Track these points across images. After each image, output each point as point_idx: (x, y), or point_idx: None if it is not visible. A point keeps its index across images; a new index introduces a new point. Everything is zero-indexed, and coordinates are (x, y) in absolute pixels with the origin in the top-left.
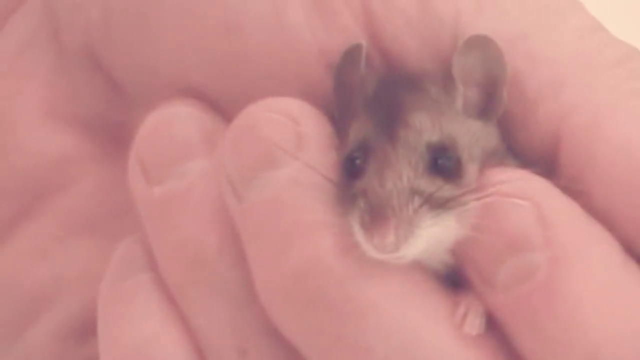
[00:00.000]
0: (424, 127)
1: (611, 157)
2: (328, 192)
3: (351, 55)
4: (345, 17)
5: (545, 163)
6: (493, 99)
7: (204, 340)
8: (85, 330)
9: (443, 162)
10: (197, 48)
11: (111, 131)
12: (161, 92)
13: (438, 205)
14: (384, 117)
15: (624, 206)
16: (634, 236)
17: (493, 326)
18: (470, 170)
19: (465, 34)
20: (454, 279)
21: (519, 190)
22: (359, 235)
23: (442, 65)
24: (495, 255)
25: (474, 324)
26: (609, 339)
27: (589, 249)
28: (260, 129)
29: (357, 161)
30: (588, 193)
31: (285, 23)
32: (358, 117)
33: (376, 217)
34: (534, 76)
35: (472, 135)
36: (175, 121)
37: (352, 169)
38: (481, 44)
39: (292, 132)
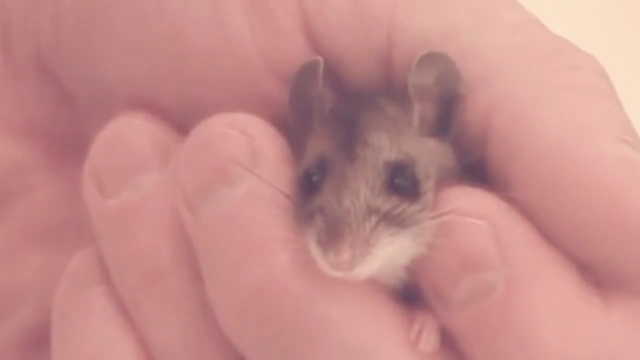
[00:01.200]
0: (382, 145)
1: (536, 152)
2: (284, 208)
3: (308, 70)
4: (281, 17)
5: (477, 160)
6: (449, 116)
7: (158, 353)
8: (39, 340)
9: (400, 181)
10: (142, 55)
11: (64, 141)
12: (111, 102)
13: (395, 224)
14: (342, 135)
15: (547, 205)
16: (561, 235)
17: (448, 343)
18: (427, 188)
19: (399, 31)
20: (409, 295)
21: (475, 209)
22: (315, 251)
23: (379, 65)
24: (451, 274)
25: (429, 341)
26: None
27: (544, 269)
28: (215, 145)
29: (314, 177)
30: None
31: (225, 25)
32: (315, 132)
33: (332, 234)
34: (463, 72)
35: (429, 154)
36: (129, 133)
37: (308, 186)
38: (436, 61)
39: (246, 148)
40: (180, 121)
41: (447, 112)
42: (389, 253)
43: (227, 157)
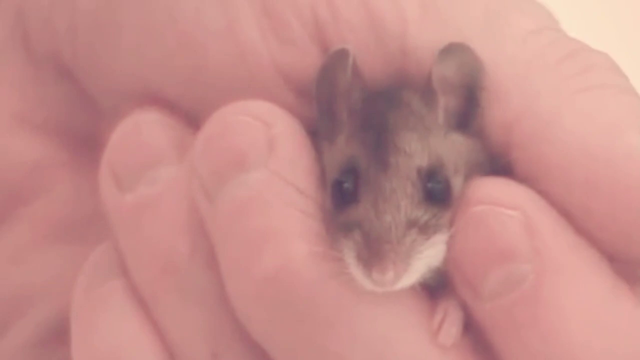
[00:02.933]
0: (414, 151)
1: (565, 161)
2: (300, 196)
3: (337, 59)
4: (295, 29)
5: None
6: (472, 107)
7: (177, 346)
8: (59, 337)
9: (433, 186)
10: (156, 61)
11: (83, 138)
12: (129, 101)
13: (432, 231)
14: (371, 137)
15: (585, 208)
16: (597, 230)
17: (471, 333)
18: (457, 186)
19: (411, 44)
20: (434, 283)
21: (507, 199)
22: (355, 268)
23: (396, 75)
24: (482, 264)
25: (450, 333)
26: (590, 357)
27: (575, 261)
28: (231, 132)
29: (346, 185)
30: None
31: (238, 35)
32: (343, 130)
33: (374, 252)
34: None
35: (456, 150)
36: (145, 128)
37: (340, 194)
38: (457, 52)
39: (263, 135)
40: (195, 118)
41: (470, 104)
42: (427, 260)
43: (244, 144)
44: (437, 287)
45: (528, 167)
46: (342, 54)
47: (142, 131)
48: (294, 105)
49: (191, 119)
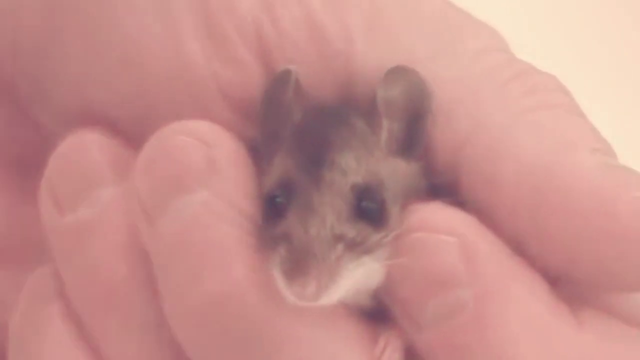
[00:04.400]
0: (350, 167)
1: (515, 179)
2: (242, 218)
3: (280, 79)
4: (239, 47)
5: (444, 184)
6: (416, 132)
7: None
8: None
9: (367, 205)
10: (98, 81)
11: (24, 161)
12: (71, 122)
13: (361, 250)
14: (309, 154)
15: (532, 228)
16: (544, 256)
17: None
18: (394, 210)
19: (357, 63)
20: (375, 312)
21: (443, 225)
22: (280, 281)
23: (342, 95)
24: (420, 293)
25: (392, 359)
26: None
27: (516, 285)
28: (171, 153)
29: (278, 200)
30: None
31: (180, 54)
32: (283, 146)
33: (298, 265)
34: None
35: (396, 175)
36: (84, 149)
37: (273, 208)
38: (403, 75)
39: (204, 156)
40: (137, 140)
41: (414, 129)
42: (355, 280)
43: (184, 165)
44: (378, 313)
45: (476, 187)
46: (285, 75)
47: (82, 152)
48: (236, 124)
49: (134, 139)
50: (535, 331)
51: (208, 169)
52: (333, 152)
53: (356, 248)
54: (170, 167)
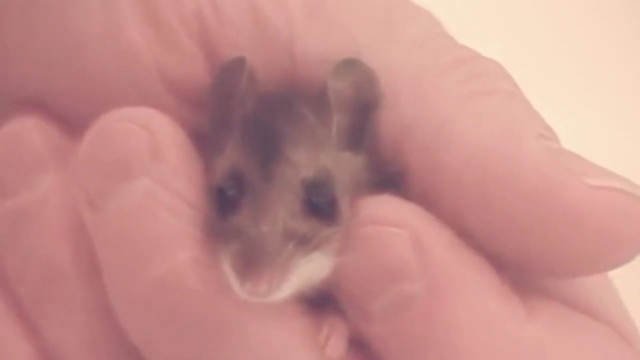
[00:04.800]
0: (301, 162)
1: (460, 163)
2: (185, 206)
3: (232, 67)
4: (180, 33)
5: (392, 175)
6: (365, 125)
7: (59, 356)
8: None
9: (317, 200)
10: (41, 67)
11: None
12: (13, 108)
13: (312, 246)
14: (260, 146)
15: (479, 214)
16: (490, 238)
17: (361, 350)
18: (344, 204)
19: (299, 48)
20: (319, 299)
21: (393, 218)
22: (230, 276)
23: (286, 80)
24: (371, 287)
25: (337, 347)
26: None
27: (463, 274)
28: (114, 139)
29: (230, 192)
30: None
31: (121, 40)
32: (233, 136)
33: (250, 262)
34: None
35: (346, 168)
36: (25, 134)
37: (223, 200)
38: (352, 68)
39: (147, 143)
40: (79, 128)
41: (363, 122)
42: (306, 275)
43: (127, 152)
44: (323, 302)
45: (421, 176)
46: (239, 63)
47: (22, 137)
48: (179, 111)
49: (75, 126)
50: (484, 322)
51: (151, 156)
52: (283, 145)
53: (307, 244)
54: (112, 154)
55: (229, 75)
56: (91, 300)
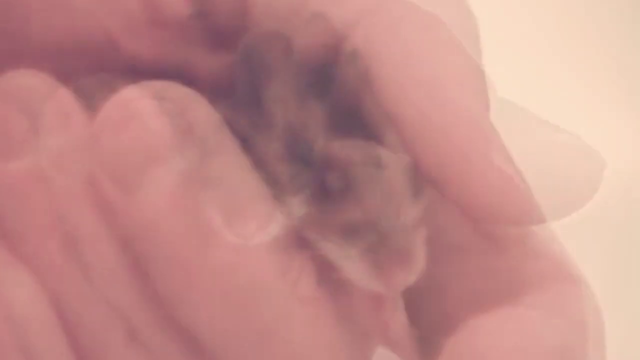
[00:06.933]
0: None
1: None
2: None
3: (270, 41)
4: None
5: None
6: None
7: (87, 324)
8: None
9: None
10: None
11: None
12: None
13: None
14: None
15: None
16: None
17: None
18: None
19: None
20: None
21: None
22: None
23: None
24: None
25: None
26: None
27: None
28: (142, 119)
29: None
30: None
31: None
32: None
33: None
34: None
35: None
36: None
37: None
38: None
39: (178, 122)
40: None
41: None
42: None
43: (157, 132)
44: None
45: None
46: (277, 36)
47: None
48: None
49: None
50: None
51: (184, 135)
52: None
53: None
54: (143, 136)
55: (261, 51)
56: (119, 272)
